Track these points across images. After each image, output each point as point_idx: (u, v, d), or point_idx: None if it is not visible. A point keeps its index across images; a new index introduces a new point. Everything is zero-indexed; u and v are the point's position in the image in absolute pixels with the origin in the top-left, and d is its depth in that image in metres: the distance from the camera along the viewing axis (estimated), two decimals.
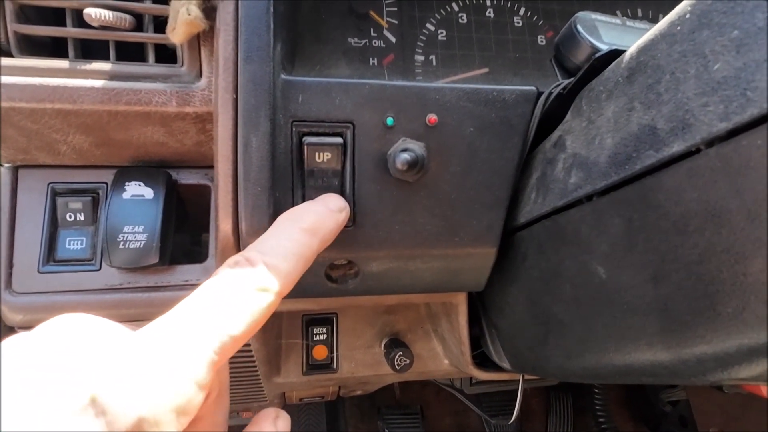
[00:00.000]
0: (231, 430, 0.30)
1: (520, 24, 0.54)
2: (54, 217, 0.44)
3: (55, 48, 0.41)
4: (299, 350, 0.62)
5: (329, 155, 0.37)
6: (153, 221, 0.41)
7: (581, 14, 0.38)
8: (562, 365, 0.39)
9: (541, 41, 0.54)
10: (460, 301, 0.52)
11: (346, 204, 0.36)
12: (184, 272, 0.45)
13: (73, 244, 0.43)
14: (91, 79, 0.38)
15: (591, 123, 0.33)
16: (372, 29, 0.51)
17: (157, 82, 0.39)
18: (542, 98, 0.39)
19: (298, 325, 0.61)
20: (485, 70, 0.52)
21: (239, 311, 0.25)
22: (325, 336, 0.62)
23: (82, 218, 0.44)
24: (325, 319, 0.62)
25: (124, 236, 0.41)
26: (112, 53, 0.40)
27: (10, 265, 0.43)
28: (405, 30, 0.52)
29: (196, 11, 0.35)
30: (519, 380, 0.58)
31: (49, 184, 0.44)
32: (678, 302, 0.26)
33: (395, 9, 0.52)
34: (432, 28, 0.52)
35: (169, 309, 0.24)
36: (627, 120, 0.29)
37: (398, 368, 0.60)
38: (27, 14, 0.39)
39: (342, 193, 0.38)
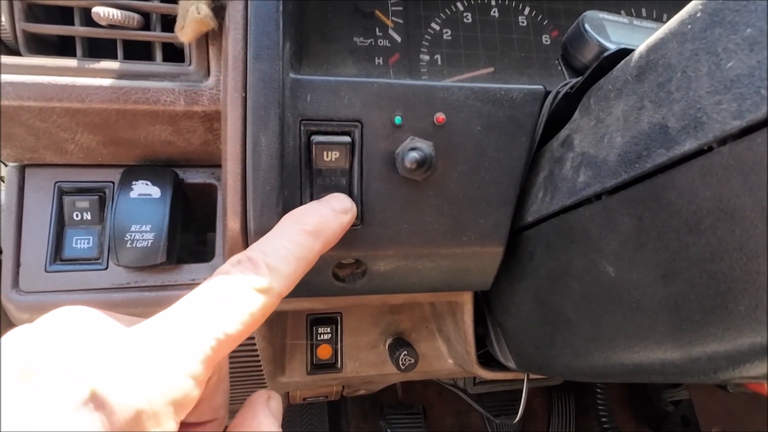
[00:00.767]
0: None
1: (525, 23, 0.55)
2: (61, 216, 0.44)
3: (62, 47, 0.41)
4: (304, 350, 0.62)
5: (337, 154, 0.37)
6: (160, 220, 0.41)
7: (589, 13, 0.38)
8: (570, 364, 0.39)
9: (546, 41, 0.54)
10: (466, 300, 0.52)
11: (353, 204, 0.36)
12: (191, 271, 0.45)
13: (80, 243, 0.43)
14: (100, 77, 0.38)
15: (600, 122, 0.33)
16: (377, 29, 0.51)
17: (165, 81, 0.39)
18: (550, 97, 0.39)
19: (302, 324, 0.61)
20: (490, 69, 0.52)
21: (237, 310, 0.25)
22: (330, 335, 0.62)
23: (89, 217, 0.44)
24: (330, 319, 0.62)
25: (131, 235, 0.41)
26: (120, 52, 0.40)
27: (17, 264, 0.43)
28: (410, 29, 0.52)
29: (205, 10, 0.35)
30: (523, 380, 0.58)
31: (56, 183, 0.44)
32: (689, 300, 0.26)
33: (400, 8, 0.52)
34: (437, 27, 0.52)
35: None
36: (637, 118, 0.29)
37: (403, 368, 0.60)
38: (35, 13, 0.39)
39: (350, 192, 0.38)
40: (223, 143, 0.38)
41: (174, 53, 0.42)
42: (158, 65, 0.40)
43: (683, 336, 0.27)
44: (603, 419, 1.15)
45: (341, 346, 0.62)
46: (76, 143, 0.42)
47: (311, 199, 0.37)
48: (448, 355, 0.64)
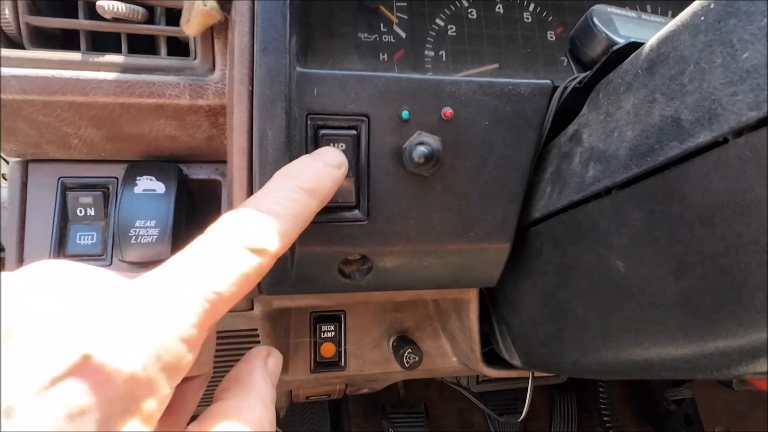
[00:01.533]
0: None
1: (530, 20, 0.54)
2: (64, 211, 0.43)
3: (66, 40, 0.41)
4: (307, 348, 0.62)
5: (344, 148, 0.36)
6: (165, 216, 0.41)
7: (597, 7, 0.38)
8: (578, 361, 0.39)
9: (551, 37, 0.54)
10: (471, 298, 0.52)
11: (344, 158, 0.34)
12: None
13: (83, 239, 0.43)
14: (104, 71, 0.38)
15: (609, 116, 0.33)
16: (382, 24, 0.50)
17: (170, 75, 0.39)
18: (558, 92, 0.39)
19: (306, 322, 0.61)
20: (495, 65, 0.52)
21: (229, 270, 0.24)
22: (333, 333, 0.62)
23: (93, 213, 0.44)
24: (333, 317, 0.62)
25: (135, 231, 0.41)
26: (124, 46, 0.39)
27: (20, 260, 0.42)
28: (415, 25, 0.51)
29: (212, 2, 0.35)
30: (528, 378, 0.58)
31: (59, 179, 0.44)
32: (702, 295, 0.26)
33: (405, 4, 0.52)
34: (442, 23, 0.52)
35: None
36: (648, 112, 0.29)
37: (407, 366, 0.60)
38: (39, 6, 0.39)
39: (356, 188, 0.37)
40: (228, 137, 0.37)
41: (179, 47, 0.41)
42: (163, 59, 0.40)
43: (695, 331, 0.27)
44: (605, 418, 1.15)
45: (345, 344, 0.62)
46: (80, 138, 0.42)
47: None
48: (452, 353, 0.64)
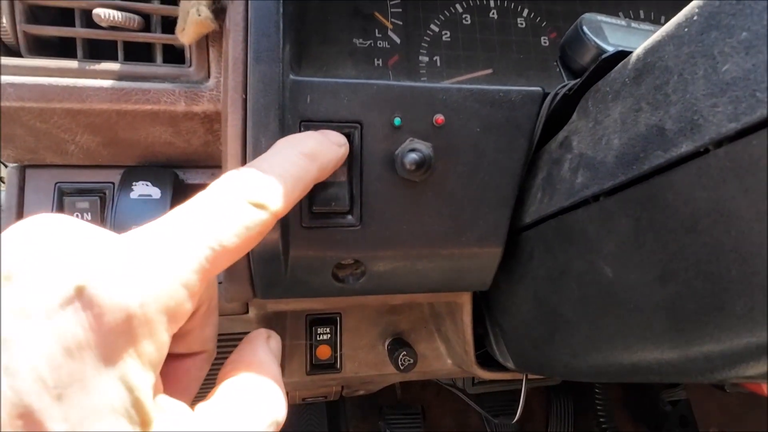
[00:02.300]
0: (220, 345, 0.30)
1: (524, 25, 0.55)
2: None
3: (63, 48, 0.42)
4: (303, 350, 0.62)
5: None
6: None
7: (587, 16, 0.39)
8: (568, 364, 0.40)
9: (545, 42, 0.55)
10: (465, 301, 0.52)
11: (346, 141, 0.35)
12: None
13: None
14: (100, 79, 0.39)
15: (597, 123, 0.33)
16: (377, 30, 0.51)
17: (166, 83, 0.39)
18: (548, 99, 0.40)
19: (301, 324, 0.62)
20: (489, 71, 0.53)
21: (232, 221, 0.23)
22: (329, 336, 0.62)
23: (89, 218, 0.44)
24: (329, 319, 0.62)
25: None
26: (120, 53, 0.40)
27: None
28: (409, 31, 0.52)
29: (206, 12, 0.36)
30: (522, 380, 0.59)
31: (56, 184, 0.44)
32: (686, 301, 0.27)
33: (400, 10, 0.52)
34: (436, 29, 0.52)
35: None
36: (634, 120, 0.29)
37: (402, 368, 0.60)
38: (36, 14, 0.40)
39: (350, 193, 0.38)
40: (223, 144, 0.38)
41: (174, 55, 0.42)
42: (159, 67, 0.40)
43: (680, 336, 0.28)
44: (601, 419, 1.15)
45: (340, 347, 0.62)
46: (77, 144, 0.42)
47: (311, 201, 0.37)
48: (447, 355, 0.64)
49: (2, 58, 0.37)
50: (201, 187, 0.46)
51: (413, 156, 0.36)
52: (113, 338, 0.19)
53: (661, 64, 0.28)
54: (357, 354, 0.63)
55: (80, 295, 0.18)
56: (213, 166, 0.47)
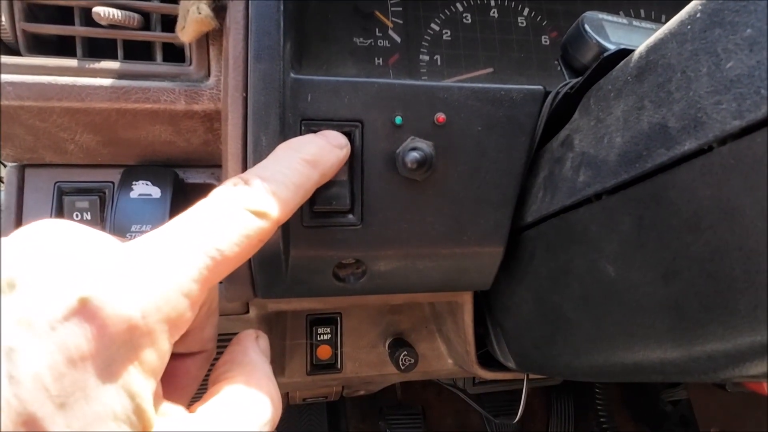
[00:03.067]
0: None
1: (524, 24, 0.55)
2: (60, 215, 0.44)
3: (62, 47, 0.41)
4: (303, 350, 0.62)
5: None
6: (160, 220, 0.41)
7: (588, 14, 0.39)
8: (570, 364, 0.39)
9: (545, 41, 0.55)
10: (466, 300, 0.52)
11: (347, 142, 0.35)
12: None
13: None
14: (100, 77, 0.38)
15: (599, 122, 0.33)
16: (377, 29, 0.51)
17: (166, 81, 0.39)
18: (550, 97, 0.39)
19: (302, 324, 0.61)
20: (490, 70, 0.53)
21: (232, 230, 0.24)
22: (329, 336, 0.62)
23: (89, 217, 0.44)
24: (330, 319, 0.62)
25: (131, 235, 0.41)
26: (120, 52, 0.40)
27: None
28: (410, 30, 0.52)
29: (206, 10, 0.36)
30: (523, 380, 0.59)
31: (55, 184, 0.44)
32: (689, 300, 0.26)
33: (400, 9, 0.52)
34: (437, 28, 0.52)
35: None
36: (637, 119, 0.29)
37: (403, 368, 0.60)
38: (35, 13, 0.39)
39: (350, 192, 0.38)
40: (223, 143, 0.38)
41: (174, 53, 0.42)
42: (158, 65, 0.40)
43: (683, 335, 0.28)
44: (602, 419, 1.15)
45: (341, 347, 0.62)
46: (76, 143, 0.42)
47: (312, 200, 0.37)
48: (447, 355, 0.64)
49: (1, 56, 0.37)
50: (201, 186, 0.47)
51: (414, 155, 0.36)
52: (116, 348, 0.19)
53: (663, 62, 0.28)
54: (357, 354, 0.63)
55: (84, 306, 0.19)
56: (213, 165, 0.47)
